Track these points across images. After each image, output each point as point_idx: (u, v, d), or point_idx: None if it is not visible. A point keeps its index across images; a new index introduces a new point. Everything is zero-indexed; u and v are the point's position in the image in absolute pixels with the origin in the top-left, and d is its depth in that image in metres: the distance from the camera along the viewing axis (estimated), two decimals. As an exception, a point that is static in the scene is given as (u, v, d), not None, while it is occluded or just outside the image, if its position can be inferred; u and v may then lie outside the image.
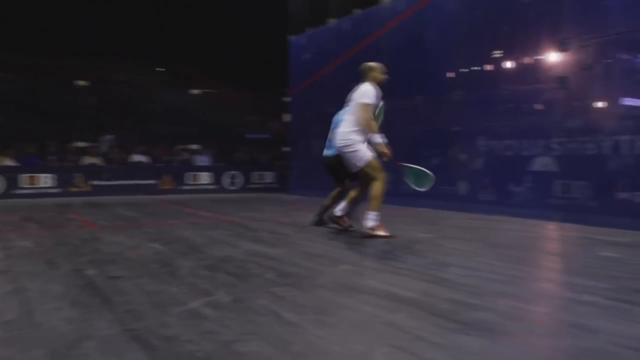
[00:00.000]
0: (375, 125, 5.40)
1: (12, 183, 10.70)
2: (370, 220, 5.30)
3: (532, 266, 4.11)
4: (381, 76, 5.61)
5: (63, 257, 4.23)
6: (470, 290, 3.09)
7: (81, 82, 12.06)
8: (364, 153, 5.34)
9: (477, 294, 3.02)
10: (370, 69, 5.59)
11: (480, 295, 2.99)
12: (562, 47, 7.04)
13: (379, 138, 5.42)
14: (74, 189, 11.24)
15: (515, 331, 2.38)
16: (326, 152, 5.96)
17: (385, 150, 5.39)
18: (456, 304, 2.81)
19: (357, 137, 5.36)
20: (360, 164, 5.36)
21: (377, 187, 5.39)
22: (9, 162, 11.24)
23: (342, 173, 5.78)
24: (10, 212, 7.95)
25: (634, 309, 2.74)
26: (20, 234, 5.65)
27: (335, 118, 5.95)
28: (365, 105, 5.32)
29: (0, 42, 17.21)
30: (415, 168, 5.67)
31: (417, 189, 5.66)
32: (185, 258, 4.16)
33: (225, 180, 12.81)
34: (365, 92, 5.38)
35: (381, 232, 5.29)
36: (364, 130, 5.34)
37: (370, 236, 5.21)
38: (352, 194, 5.84)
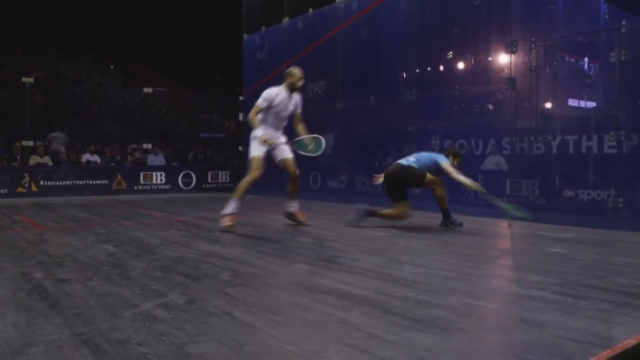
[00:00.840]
0: (255, 121, 5.97)
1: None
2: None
3: (484, 263, 4.20)
4: (297, 82, 6.13)
5: (9, 260, 4.08)
6: (423, 288, 3.14)
7: (28, 79, 11.64)
8: (251, 149, 6.01)
9: (430, 291, 3.07)
10: (287, 74, 6.20)
11: (433, 292, 3.04)
12: (509, 49, 7.24)
13: (257, 132, 5.98)
14: (20, 190, 10.85)
15: (467, 327, 2.43)
16: None
17: (264, 139, 5.88)
18: (410, 301, 2.85)
19: (252, 134, 6.05)
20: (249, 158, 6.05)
21: (245, 180, 5.97)
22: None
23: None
24: (-48, 214, 7.63)
25: (580, 302, 2.84)
26: (-38, 236, 5.43)
27: None
28: (255, 105, 5.98)
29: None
30: (304, 138, 6.21)
31: (312, 154, 6.25)
32: (138, 259, 4.07)
33: (179, 180, 12.62)
34: (262, 94, 6.04)
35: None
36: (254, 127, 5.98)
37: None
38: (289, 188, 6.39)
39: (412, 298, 2.92)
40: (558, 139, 6.94)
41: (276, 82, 10.60)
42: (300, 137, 6.23)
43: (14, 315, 2.62)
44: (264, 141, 5.87)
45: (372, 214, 6.26)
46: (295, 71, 6.15)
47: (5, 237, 5.32)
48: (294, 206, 6.34)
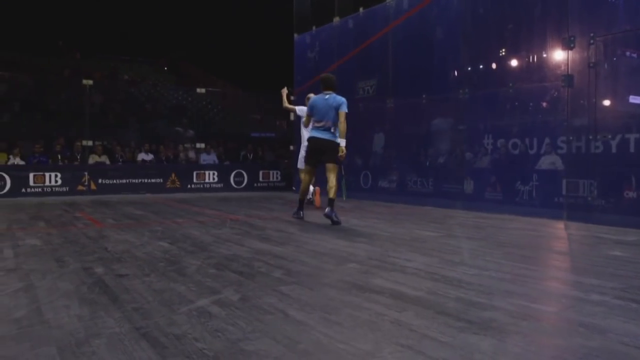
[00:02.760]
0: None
1: (20, 182, 10.75)
2: None
3: (540, 265, 4.10)
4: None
5: (71, 255, 4.25)
6: (478, 289, 3.09)
7: (88, 81, 12.09)
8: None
9: (485, 293, 3.01)
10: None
11: (488, 294, 2.99)
12: (567, 45, 7.01)
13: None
14: (80, 188, 11.29)
15: (523, 330, 2.37)
16: None
17: None
18: (464, 302, 2.81)
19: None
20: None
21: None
22: (16, 161, 11.30)
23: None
24: (19, 211, 8.00)
25: (643, 308, 2.73)
26: (29, 232, 5.68)
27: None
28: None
29: (7, 42, 17.28)
30: None
31: None
32: (193, 256, 4.17)
33: (231, 179, 12.83)
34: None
35: None
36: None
37: None
38: None
39: (466, 299, 2.87)
40: (618, 138, 6.68)
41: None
42: None
43: (77, 307, 2.73)
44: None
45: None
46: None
47: (67, 233, 5.55)
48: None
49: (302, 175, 6.95)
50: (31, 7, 17.98)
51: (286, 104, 8.01)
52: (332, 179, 6.43)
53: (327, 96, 6.46)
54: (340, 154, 6.28)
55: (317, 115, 6.44)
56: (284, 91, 7.60)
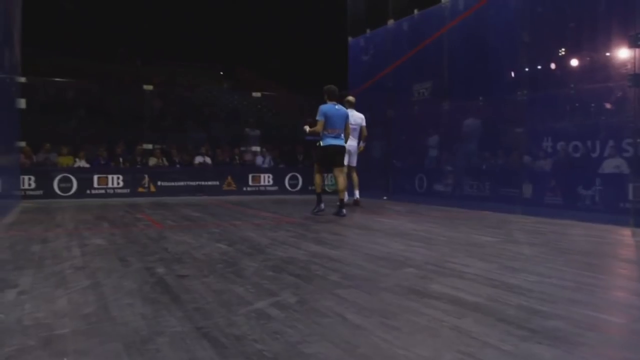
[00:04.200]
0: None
1: (85, 184, 11.21)
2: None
3: (605, 273, 3.94)
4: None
5: (134, 255, 4.39)
6: (540, 297, 3.00)
7: (148, 87, 12.48)
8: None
9: (547, 301, 2.92)
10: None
11: (551, 302, 2.89)
12: (633, 43, 6.72)
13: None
14: (141, 190, 11.66)
15: (590, 341, 2.29)
16: None
17: None
18: (526, 310, 2.74)
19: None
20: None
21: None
22: (82, 164, 11.79)
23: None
24: (84, 211, 8.33)
25: None
26: (94, 232, 5.92)
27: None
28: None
29: (71, 50, 18.06)
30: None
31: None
32: (250, 258, 4.23)
33: (286, 182, 12.95)
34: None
35: None
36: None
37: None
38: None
39: (527, 307, 2.80)
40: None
41: (381, 83, 10.67)
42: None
43: (141, 306, 2.82)
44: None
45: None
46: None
47: (129, 234, 5.74)
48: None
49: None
50: (94, 16, 18.71)
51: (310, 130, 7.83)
52: (342, 181, 7.47)
53: (337, 106, 7.39)
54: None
55: (331, 124, 7.26)
56: (307, 128, 7.72)
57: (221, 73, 23.77)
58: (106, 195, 11.32)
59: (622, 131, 7.07)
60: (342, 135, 7.38)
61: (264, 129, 14.41)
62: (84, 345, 2.23)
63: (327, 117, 7.25)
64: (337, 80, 12.06)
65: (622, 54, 7.11)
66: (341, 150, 7.42)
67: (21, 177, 10.53)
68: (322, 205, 7.45)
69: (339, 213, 7.20)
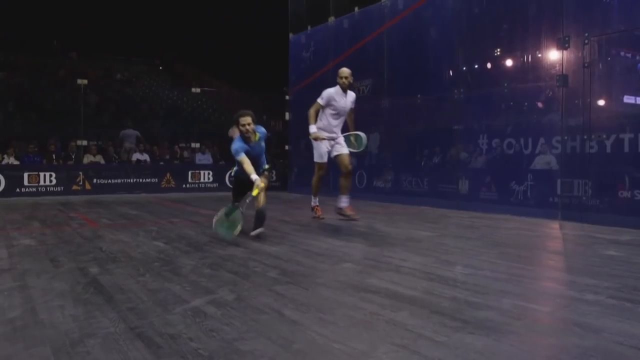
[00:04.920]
0: (312, 117, 6.59)
1: (15, 181, 10.71)
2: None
3: (535, 265, 4.11)
4: (340, 80, 6.66)
5: (66, 255, 4.24)
6: (473, 289, 3.09)
7: (83, 81, 12.05)
8: (314, 153, 6.74)
9: (480, 292, 3.02)
10: (337, 74, 6.78)
11: (483, 294, 2.99)
12: (561, 45, 7.03)
13: (311, 128, 6.55)
14: (75, 188, 11.25)
15: (518, 330, 2.38)
16: None
17: (313, 137, 6.57)
18: (459, 302, 2.82)
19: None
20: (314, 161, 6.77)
21: (313, 180, 6.87)
22: (11, 161, 11.25)
23: None
24: (13, 211, 7.96)
25: (638, 308, 2.74)
26: (23, 232, 5.66)
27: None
28: (316, 103, 6.63)
29: (2, 42, 17.22)
30: (348, 134, 6.81)
31: (356, 150, 6.84)
32: (188, 256, 4.16)
33: (227, 179, 12.80)
34: (322, 93, 6.62)
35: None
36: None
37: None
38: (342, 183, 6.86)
39: (461, 299, 2.88)
40: (612, 138, 6.70)
41: (322, 81, 10.69)
42: (344, 134, 6.83)
43: (72, 307, 2.72)
44: (313, 139, 6.57)
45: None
46: (340, 70, 6.79)
47: (62, 233, 5.53)
48: (344, 201, 6.76)
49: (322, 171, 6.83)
50: (26, 7, 17.91)
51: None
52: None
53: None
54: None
55: None
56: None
57: (160, 68, 23.25)
58: (38, 194, 10.85)
59: (552, 129, 7.37)
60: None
61: (204, 125, 14.20)
62: (8, 351, 2.13)
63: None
64: (278, 77, 12.04)
65: (552, 55, 7.41)
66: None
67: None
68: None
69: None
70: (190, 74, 20.78)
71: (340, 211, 6.75)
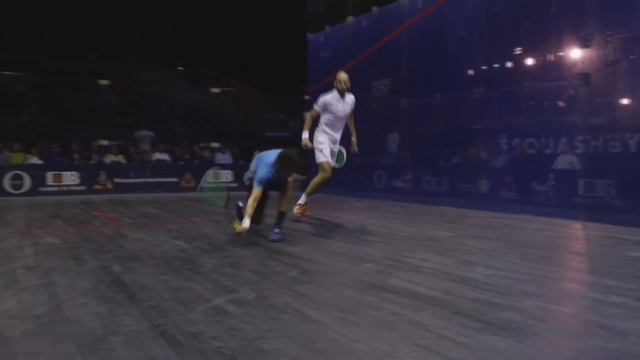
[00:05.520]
0: (307, 123, 6.64)
1: (38, 181, 10.88)
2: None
3: (557, 266, 4.06)
4: (339, 85, 6.58)
5: (89, 253, 4.29)
6: (494, 290, 3.07)
7: (104, 81, 12.20)
8: (317, 154, 6.61)
9: (502, 293, 2.99)
10: (334, 79, 6.68)
11: (505, 294, 2.97)
12: (583, 43, 6.94)
13: (304, 134, 6.56)
14: (97, 187, 11.39)
15: (541, 332, 2.35)
16: None
17: (303, 143, 6.54)
18: (481, 303, 2.80)
19: (314, 140, 6.66)
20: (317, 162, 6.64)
21: (315, 180, 6.69)
22: (34, 160, 11.43)
23: None
24: (37, 209, 8.09)
25: (663, 309, 2.70)
26: (47, 230, 5.75)
27: None
28: (312, 109, 6.68)
29: (23, 44, 17.50)
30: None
31: (336, 166, 6.69)
32: (208, 255, 4.19)
33: (246, 178, 12.86)
34: (318, 99, 6.64)
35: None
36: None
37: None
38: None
39: (483, 300, 2.86)
40: (636, 137, 6.60)
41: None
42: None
43: (95, 305, 2.76)
44: (303, 145, 6.53)
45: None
46: (338, 74, 6.71)
47: (85, 232, 5.61)
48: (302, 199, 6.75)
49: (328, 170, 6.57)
50: (48, 9, 18.18)
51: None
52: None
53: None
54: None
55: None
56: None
57: (179, 68, 23.43)
58: (60, 193, 11.00)
59: (574, 128, 7.27)
60: None
61: (223, 125, 14.28)
62: (35, 346, 2.17)
63: None
64: (296, 77, 12.04)
65: (574, 53, 7.31)
66: None
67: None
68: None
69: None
70: (210, 74, 20.91)
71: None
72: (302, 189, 7.15)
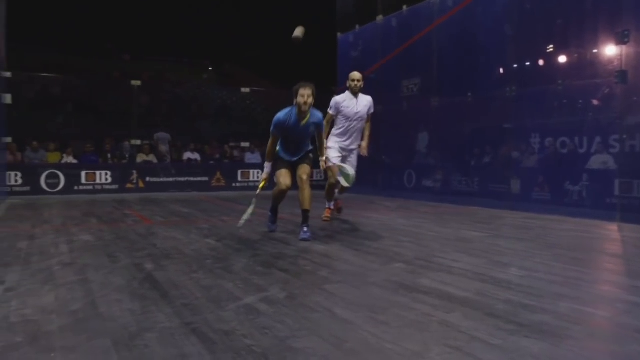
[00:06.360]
0: (326, 132, 6.10)
1: (73, 180, 11.13)
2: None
3: (592, 268, 3.98)
4: (351, 84, 6.29)
5: (122, 251, 4.37)
6: (527, 292, 3.02)
7: (136, 82, 12.41)
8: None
9: (535, 295, 2.95)
10: (347, 78, 6.36)
11: (539, 296, 2.92)
12: (620, 40, 6.77)
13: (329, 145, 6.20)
14: (129, 186, 11.60)
15: (577, 335, 2.31)
16: None
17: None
18: (514, 305, 2.76)
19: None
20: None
21: (326, 187, 6.59)
22: (69, 160, 11.70)
23: None
24: (72, 208, 8.27)
25: None
26: (82, 228, 5.87)
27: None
28: (327, 115, 6.19)
29: (59, 46, 17.91)
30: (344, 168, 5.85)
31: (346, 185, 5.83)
32: (239, 254, 4.22)
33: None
34: (331, 103, 6.31)
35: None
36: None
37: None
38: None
39: (515, 302, 2.82)
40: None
41: (370, 80, 10.64)
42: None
43: (129, 302, 2.81)
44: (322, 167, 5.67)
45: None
46: (350, 74, 6.38)
47: (118, 230, 5.71)
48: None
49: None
50: (82, 11, 18.57)
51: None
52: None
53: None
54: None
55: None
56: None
57: (210, 68, 23.68)
58: (94, 192, 11.24)
59: (609, 127, 7.12)
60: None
61: (253, 125, 14.36)
62: (71, 341, 2.21)
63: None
64: (326, 77, 12.04)
65: (610, 50, 7.15)
66: None
67: (7, 173, 10.43)
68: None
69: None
70: (239, 74, 21.07)
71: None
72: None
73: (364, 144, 6.50)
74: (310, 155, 5.38)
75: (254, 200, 5.34)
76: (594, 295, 3.09)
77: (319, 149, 5.47)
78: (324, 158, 5.54)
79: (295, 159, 5.35)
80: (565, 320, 2.50)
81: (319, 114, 5.18)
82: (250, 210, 5.28)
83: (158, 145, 13.04)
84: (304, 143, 5.28)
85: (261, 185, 5.31)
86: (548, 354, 2.08)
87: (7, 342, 2.19)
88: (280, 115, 5.09)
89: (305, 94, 4.92)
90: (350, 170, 5.79)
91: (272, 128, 5.13)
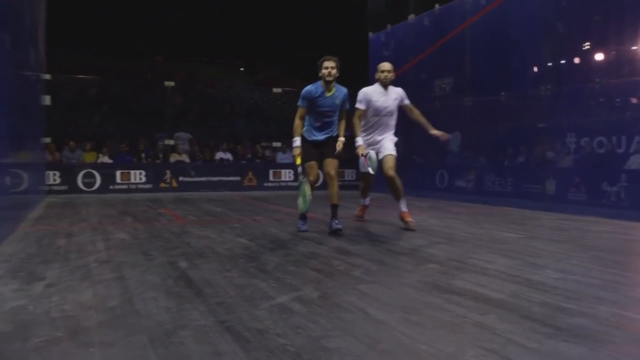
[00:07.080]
0: (357, 128, 5.83)
1: (108, 179, 11.36)
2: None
3: (632, 271, 3.88)
4: (380, 75, 5.82)
5: (157, 249, 4.44)
6: (564, 294, 2.96)
7: (170, 83, 12.60)
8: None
9: (572, 298, 2.89)
10: (376, 69, 5.94)
11: (576, 299, 2.86)
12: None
13: (358, 140, 5.77)
14: (163, 185, 11.78)
15: (617, 340, 2.25)
16: None
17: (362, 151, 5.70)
18: (550, 307, 2.70)
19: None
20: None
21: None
22: (105, 160, 11.95)
23: None
24: (108, 206, 8.44)
25: None
26: (118, 226, 5.99)
27: None
28: (356, 110, 5.85)
29: (94, 48, 18.30)
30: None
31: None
32: (272, 253, 4.25)
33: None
34: (358, 96, 5.86)
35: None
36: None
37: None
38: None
39: (552, 304, 2.76)
40: None
41: (402, 79, 10.56)
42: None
43: (164, 299, 2.85)
44: (360, 154, 5.69)
45: None
46: (379, 65, 5.90)
47: (152, 228, 5.81)
48: (402, 206, 5.88)
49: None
50: (115, 14, 18.93)
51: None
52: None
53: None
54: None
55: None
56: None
57: (242, 69, 23.86)
58: (129, 191, 11.46)
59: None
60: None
61: (284, 125, 14.42)
62: (109, 337, 2.26)
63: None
64: (357, 76, 12.01)
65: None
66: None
67: (46, 172, 10.72)
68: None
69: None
70: (271, 74, 21.18)
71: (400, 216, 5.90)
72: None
73: (437, 132, 5.93)
74: (340, 143, 5.47)
75: (300, 176, 5.54)
76: (634, 299, 3.01)
77: (338, 127, 5.57)
78: (343, 139, 5.53)
79: (322, 137, 5.49)
80: (604, 324, 2.45)
81: (344, 89, 5.40)
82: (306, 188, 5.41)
83: (177, 145, 13.21)
84: (331, 117, 5.43)
85: (298, 161, 5.49)
86: (588, 359, 2.04)
87: (49, 337, 2.25)
88: (308, 87, 5.37)
89: (329, 66, 5.19)
90: (373, 154, 5.73)
91: (299, 101, 5.40)
